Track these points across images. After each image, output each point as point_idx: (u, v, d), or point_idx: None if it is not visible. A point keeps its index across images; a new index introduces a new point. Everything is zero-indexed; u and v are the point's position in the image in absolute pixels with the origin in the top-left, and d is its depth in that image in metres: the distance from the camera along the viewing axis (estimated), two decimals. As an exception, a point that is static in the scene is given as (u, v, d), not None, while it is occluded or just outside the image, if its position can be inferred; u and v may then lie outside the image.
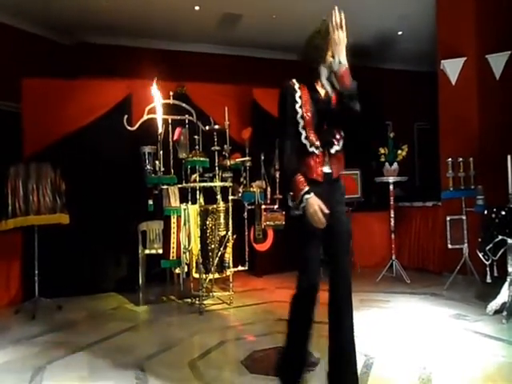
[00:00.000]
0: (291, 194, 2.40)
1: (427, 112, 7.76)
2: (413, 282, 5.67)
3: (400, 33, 7.90)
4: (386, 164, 5.92)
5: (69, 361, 3.38)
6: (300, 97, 2.47)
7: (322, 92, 2.53)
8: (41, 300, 4.82)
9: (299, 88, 2.50)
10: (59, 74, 6.26)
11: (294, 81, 2.52)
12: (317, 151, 2.45)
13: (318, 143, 2.45)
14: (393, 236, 6.01)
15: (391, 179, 5.92)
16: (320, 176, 2.45)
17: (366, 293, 5.26)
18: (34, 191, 4.69)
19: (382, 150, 5.94)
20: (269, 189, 5.63)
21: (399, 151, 5.92)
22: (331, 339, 2.47)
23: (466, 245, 5.33)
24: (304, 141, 2.44)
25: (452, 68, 5.99)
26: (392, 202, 5.99)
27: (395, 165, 5.91)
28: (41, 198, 4.71)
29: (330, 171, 2.48)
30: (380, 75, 8.93)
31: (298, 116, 2.45)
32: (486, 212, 4.64)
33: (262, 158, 5.64)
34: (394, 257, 5.97)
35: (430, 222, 6.35)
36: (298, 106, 2.46)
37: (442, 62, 6.05)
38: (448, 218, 5.48)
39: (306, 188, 2.33)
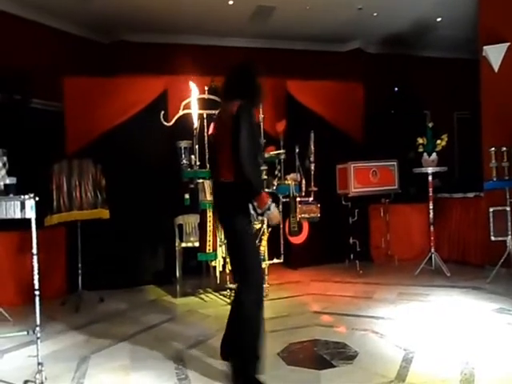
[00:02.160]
0: (256, 203, 2.81)
1: (467, 101, 7.50)
2: (453, 275, 5.53)
3: (439, 19, 7.65)
4: (425, 154, 5.76)
5: (111, 351, 3.50)
6: None
7: None
8: (84, 292, 5.00)
9: None
10: (98, 72, 6.43)
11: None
12: None
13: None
14: (432, 228, 5.86)
15: (430, 170, 5.75)
16: None
17: (404, 286, 5.18)
18: (76, 187, 4.84)
19: (420, 140, 5.76)
20: (303, 181, 5.60)
21: (438, 141, 5.74)
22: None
23: (509, 237, 5.15)
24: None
25: (495, 54, 5.75)
26: (431, 194, 5.83)
27: (434, 155, 5.74)
28: (83, 194, 4.85)
29: None
30: (418, 63, 8.68)
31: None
32: (531, 203, 4.48)
33: (297, 150, 5.61)
34: (433, 249, 5.82)
35: (472, 214, 6.16)
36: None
37: (484, 48, 5.81)
38: (491, 210, 5.29)
39: (270, 198, 2.87)
